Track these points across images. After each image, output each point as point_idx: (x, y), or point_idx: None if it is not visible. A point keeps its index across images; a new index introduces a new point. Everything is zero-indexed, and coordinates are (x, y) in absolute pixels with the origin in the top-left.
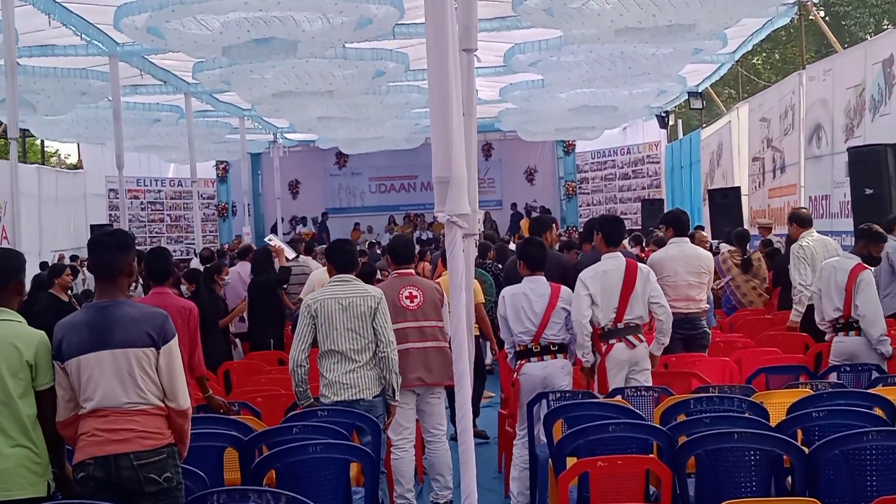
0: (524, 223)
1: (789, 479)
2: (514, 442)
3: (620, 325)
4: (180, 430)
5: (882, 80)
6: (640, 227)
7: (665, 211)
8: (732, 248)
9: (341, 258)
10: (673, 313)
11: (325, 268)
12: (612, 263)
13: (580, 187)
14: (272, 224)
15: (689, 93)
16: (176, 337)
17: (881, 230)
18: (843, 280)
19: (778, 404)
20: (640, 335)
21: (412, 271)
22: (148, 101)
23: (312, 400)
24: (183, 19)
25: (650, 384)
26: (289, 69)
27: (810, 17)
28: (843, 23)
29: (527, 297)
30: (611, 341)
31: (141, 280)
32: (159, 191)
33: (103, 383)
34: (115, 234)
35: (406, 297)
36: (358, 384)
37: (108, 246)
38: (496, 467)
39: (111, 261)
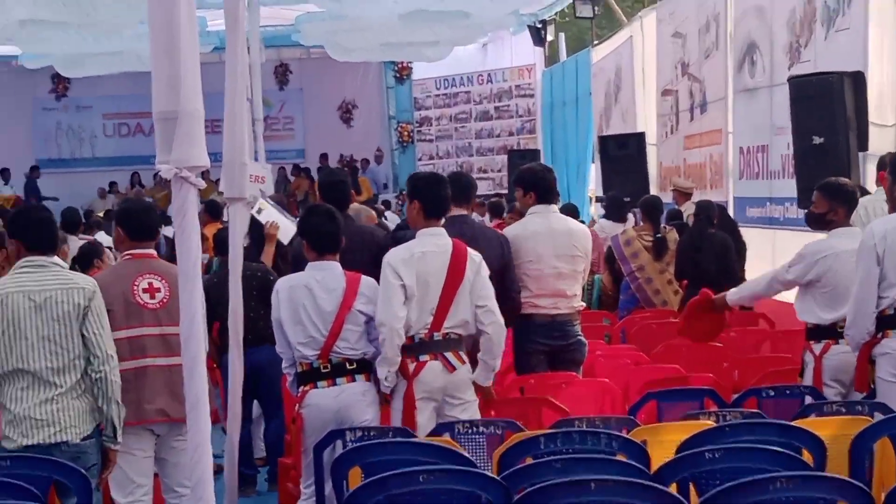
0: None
1: None
2: None
3: (438, 336)
4: None
5: None
6: (506, 191)
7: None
8: (640, 226)
9: (34, 230)
10: (535, 315)
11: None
12: (433, 243)
13: (419, 131)
14: None
15: None
16: None
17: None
18: None
19: (667, 443)
20: (461, 352)
21: (153, 252)
22: None
23: None
24: None
25: None
26: None
27: None
28: None
29: (310, 291)
30: (422, 358)
31: None
32: None
33: None
34: None
35: (143, 291)
36: (59, 420)
37: None
38: None
39: None
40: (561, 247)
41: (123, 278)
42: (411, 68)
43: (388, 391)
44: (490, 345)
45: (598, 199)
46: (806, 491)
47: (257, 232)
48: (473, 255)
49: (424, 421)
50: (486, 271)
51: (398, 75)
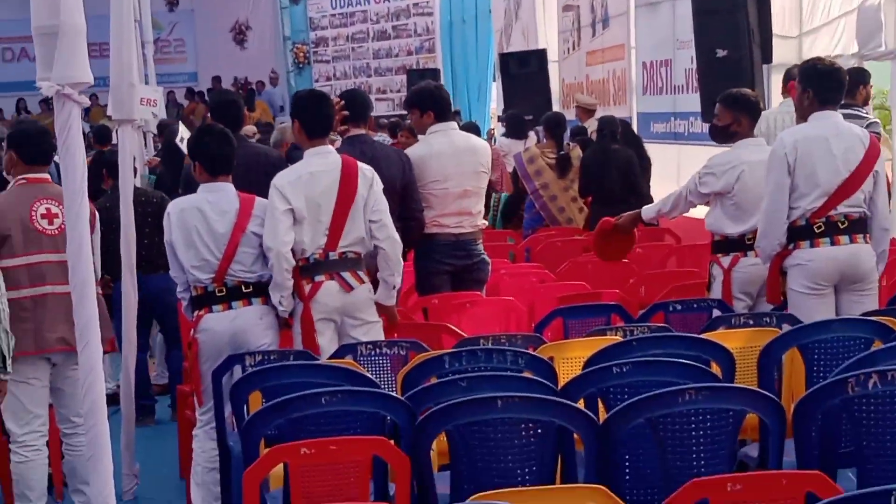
0: None
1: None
2: (195, 432)
3: (333, 255)
4: None
5: None
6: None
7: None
8: (543, 143)
9: None
10: (439, 235)
11: None
12: (321, 162)
13: (316, 52)
14: None
15: None
16: None
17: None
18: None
19: (573, 359)
20: (360, 272)
21: (48, 177)
22: None
23: None
24: None
25: None
26: None
27: None
28: None
29: (202, 213)
30: (317, 279)
31: None
32: None
33: None
34: None
35: (42, 216)
36: None
37: None
38: (177, 471)
39: None
40: (466, 164)
41: (21, 203)
42: None
43: (286, 315)
44: (387, 261)
45: (499, 119)
46: (715, 402)
47: (171, 158)
48: (365, 170)
49: (326, 343)
50: (379, 186)
51: None
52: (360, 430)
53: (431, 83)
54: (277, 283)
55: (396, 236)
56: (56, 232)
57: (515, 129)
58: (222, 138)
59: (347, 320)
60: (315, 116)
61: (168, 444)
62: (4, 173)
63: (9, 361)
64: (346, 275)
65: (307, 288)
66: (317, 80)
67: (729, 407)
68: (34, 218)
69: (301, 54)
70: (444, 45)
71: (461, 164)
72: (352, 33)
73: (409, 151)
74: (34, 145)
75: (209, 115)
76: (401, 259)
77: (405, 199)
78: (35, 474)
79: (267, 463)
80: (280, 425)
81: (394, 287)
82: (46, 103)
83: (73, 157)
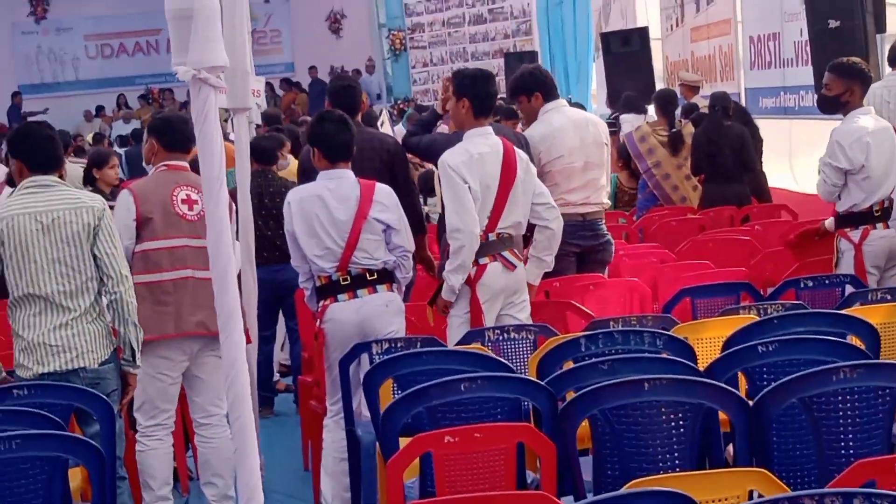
0: None
1: (731, 446)
2: (325, 421)
3: (492, 237)
4: None
5: None
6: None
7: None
8: (654, 121)
9: (36, 148)
10: (566, 214)
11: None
12: (486, 143)
13: (412, 38)
14: None
15: None
16: None
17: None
18: None
19: (709, 339)
20: (517, 251)
21: (187, 164)
22: None
23: (4, 374)
24: None
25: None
26: None
27: None
28: None
29: (323, 201)
30: (482, 261)
31: None
32: None
33: None
34: None
35: (182, 202)
36: (75, 345)
37: None
38: (300, 463)
39: None
40: (588, 136)
41: (162, 188)
42: None
43: (454, 298)
44: (549, 241)
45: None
46: (870, 380)
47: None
48: (521, 154)
49: (491, 323)
50: (533, 168)
51: None
52: (499, 416)
53: (528, 66)
54: (464, 266)
55: (562, 218)
56: (196, 218)
57: (634, 104)
58: (341, 124)
59: (508, 299)
60: (484, 95)
61: (290, 435)
62: (144, 162)
63: (138, 355)
64: (507, 254)
65: (472, 271)
66: (413, 67)
67: (885, 384)
68: (175, 202)
69: (397, 41)
70: (542, 26)
71: (583, 137)
72: (447, 18)
73: (529, 132)
74: (175, 133)
75: (328, 101)
76: (560, 239)
77: None
78: (157, 462)
79: (410, 453)
80: (419, 413)
81: (547, 268)
82: (145, 98)
83: (211, 143)
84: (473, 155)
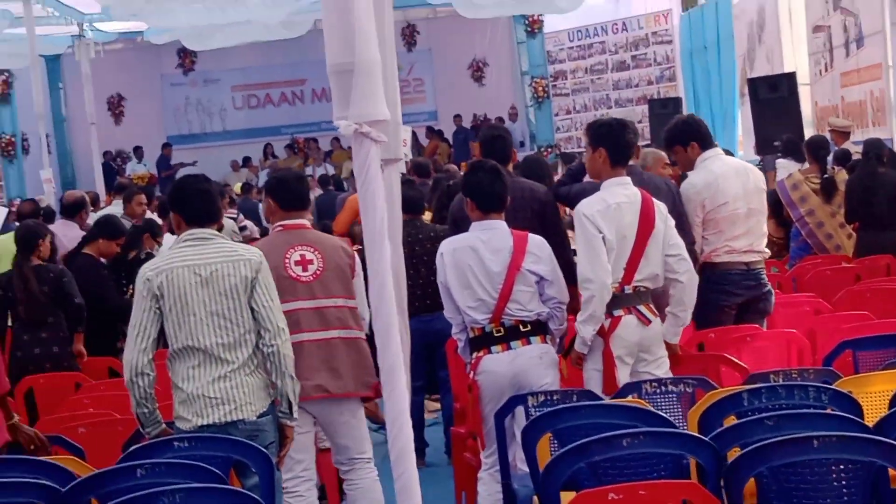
0: (476, 146)
1: None
2: (479, 474)
3: (628, 289)
4: None
5: None
6: (648, 141)
7: (682, 113)
8: (805, 168)
9: (194, 202)
10: (730, 263)
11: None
12: (623, 193)
13: (554, 86)
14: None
15: None
16: None
17: None
18: None
19: (875, 394)
20: (651, 305)
21: (305, 222)
22: None
23: (164, 426)
24: None
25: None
26: None
27: None
28: None
29: (476, 252)
30: (616, 313)
31: None
32: None
33: None
34: None
35: (296, 263)
36: (234, 398)
37: None
38: None
39: None
40: (748, 182)
41: (275, 251)
42: (542, 21)
43: (586, 350)
44: (682, 295)
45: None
46: None
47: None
48: (660, 205)
49: (625, 379)
50: (672, 221)
51: (529, 29)
52: (662, 473)
53: (682, 116)
54: (594, 317)
55: (694, 271)
56: (311, 278)
57: (795, 149)
58: (494, 174)
59: (642, 355)
60: (621, 144)
61: (443, 486)
62: (264, 221)
63: (294, 407)
64: (642, 308)
65: (606, 323)
66: (556, 114)
67: None
68: (287, 265)
69: (540, 88)
70: (686, 72)
71: (744, 183)
72: (590, 65)
73: (690, 180)
74: (290, 191)
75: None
76: (695, 294)
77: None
78: None
79: None
80: (580, 469)
81: (684, 324)
82: (291, 148)
83: (373, 197)
84: (610, 205)
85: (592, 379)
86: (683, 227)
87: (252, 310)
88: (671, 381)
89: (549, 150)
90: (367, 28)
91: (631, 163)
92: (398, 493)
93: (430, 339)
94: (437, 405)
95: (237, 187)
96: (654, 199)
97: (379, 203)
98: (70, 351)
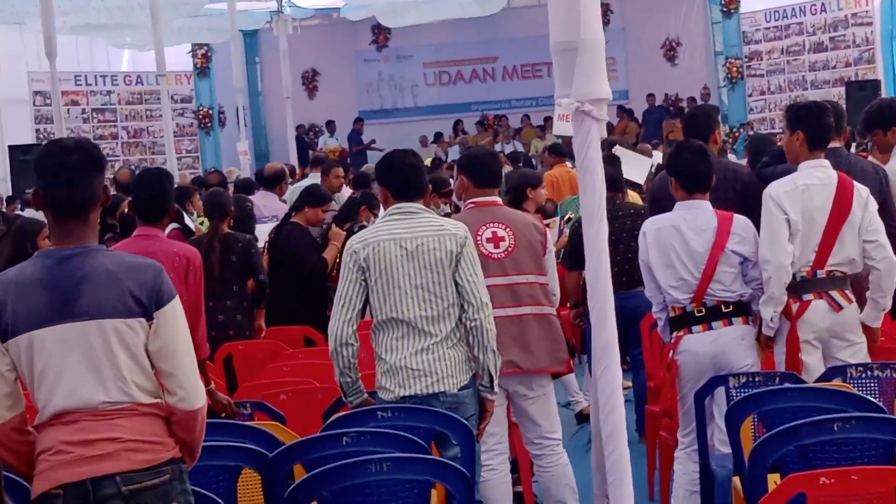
0: (670, 125)
1: None
2: (676, 454)
3: (821, 274)
4: (189, 440)
5: None
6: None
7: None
8: None
9: (399, 177)
10: None
11: None
12: (817, 176)
13: (749, 67)
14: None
15: None
16: (177, 299)
17: None
18: None
19: None
20: (847, 291)
21: (497, 199)
22: None
23: (366, 396)
24: None
25: None
26: None
27: None
28: None
29: (680, 232)
30: (805, 297)
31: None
32: (109, 91)
33: (68, 373)
34: (80, 146)
35: (488, 240)
36: (436, 370)
37: (73, 165)
38: (646, 493)
39: (82, 186)
40: None
41: (468, 228)
42: (739, 1)
43: (772, 333)
44: (880, 281)
45: None
46: None
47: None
48: (860, 189)
49: (815, 363)
50: (874, 206)
51: (725, 9)
52: (873, 458)
53: (886, 99)
54: (774, 298)
55: (894, 258)
56: (503, 255)
57: None
58: (700, 154)
59: (834, 341)
60: (819, 127)
61: (634, 465)
62: (455, 198)
63: (496, 381)
64: (835, 293)
65: (794, 307)
66: (750, 95)
67: None
68: (479, 242)
69: (734, 69)
70: (886, 55)
71: None
72: (786, 46)
73: (892, 164)
74: (484, 168)
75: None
76: (894, 280)
77: (882, 215)
78: (495, 493)
79: (783, 492)
80: (789, 451)
81: (884, 309)
82: (481, 124)
83: (593, 175)
84: (799, 186)
85: (780, 363)
86: (889, 211)
87: (456, 284)
88: (877, 366)
89: (741, 129)
90: (592, 7)
91: (837, 145)
92: (609, 469)
93: (626, 317)
94: (629, 383)
95: (428, 161)
96: (855, 183)
97: (598, 180)
98: (253, 321)
